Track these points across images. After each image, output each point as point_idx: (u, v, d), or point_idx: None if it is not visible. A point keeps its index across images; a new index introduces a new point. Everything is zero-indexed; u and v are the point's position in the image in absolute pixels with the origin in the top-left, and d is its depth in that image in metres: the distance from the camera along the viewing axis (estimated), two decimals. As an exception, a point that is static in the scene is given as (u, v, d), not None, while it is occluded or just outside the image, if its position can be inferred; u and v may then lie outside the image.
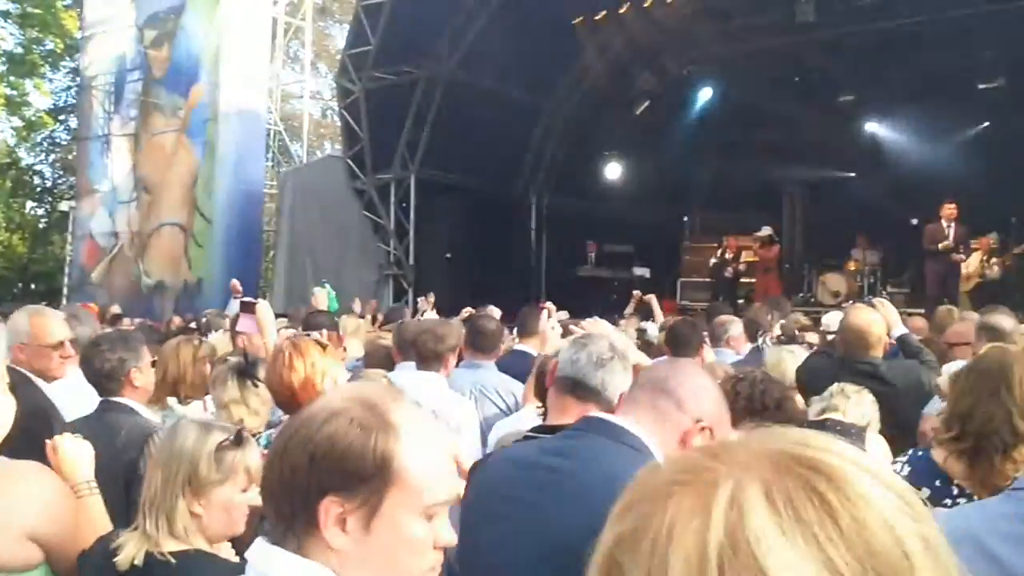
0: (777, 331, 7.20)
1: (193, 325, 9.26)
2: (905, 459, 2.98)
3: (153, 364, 3.71)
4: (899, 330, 5.00)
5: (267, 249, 21.69)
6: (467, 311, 10.13)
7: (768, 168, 18.10)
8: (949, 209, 13.62)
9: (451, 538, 1.36)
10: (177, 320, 11.04)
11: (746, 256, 16.16)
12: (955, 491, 2.78)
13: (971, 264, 14.62)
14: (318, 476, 1.27)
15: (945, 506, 2.76)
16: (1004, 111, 15.61)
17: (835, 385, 3.81)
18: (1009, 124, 15.79)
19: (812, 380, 4.63)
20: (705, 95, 17.84)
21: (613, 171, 18.38)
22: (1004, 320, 4.84)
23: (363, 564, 1.28)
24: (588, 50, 16.46)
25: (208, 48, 18.35)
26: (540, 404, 3.51)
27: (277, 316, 6.29)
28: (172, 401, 4.09)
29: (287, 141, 22.31)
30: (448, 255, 15.71)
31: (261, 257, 20.53)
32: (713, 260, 16.65)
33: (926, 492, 2.80)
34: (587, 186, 18.33)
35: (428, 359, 4.25)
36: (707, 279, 17.21)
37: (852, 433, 3.45)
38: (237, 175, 17.94)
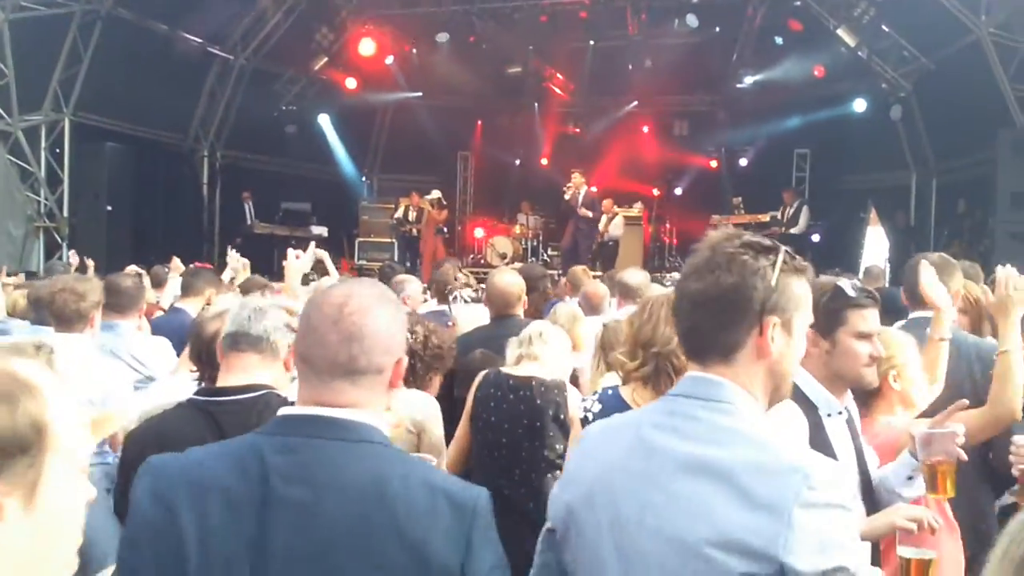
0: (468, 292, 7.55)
1: None
2: (596, 396, 3.19)
3: None
4: None
5: None
6: (132, 269, 9.56)
7: (443, 132, 18.70)
8: (577, 179, 15.34)
9: (92, 492, 1.27)
10: None
11: (424, 216, 16.57)
12: None
13: (601, 225, 16.24)
14: None
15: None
16: (650, 93, 17.28)
17: (533, 329, 3.94)
18: (653, 104, 17.51)
19: (471, 333, 5.05)
20: (383, 56, 17.93)
21: (291, 127, 18.00)
22: (631, 276, 5.46)
23: (33, 543, 1.16)
24: (265, -1, 15.93)
25: None
26: (195, 368, 3.41)
27: None
28: None
29: (-88, 71, 19.40)
30: (109, 207, 14.53)
31: None
32: (392, 220, 16.93)
33: None
34: (264, 141, 17.79)
35: (69, 320, 3.94)
36: (384, 239, 17.48)
37: (555, 391, 3.72)
38: None
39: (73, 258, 9.51)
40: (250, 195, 16.82)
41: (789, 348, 1.70)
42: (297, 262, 4.31)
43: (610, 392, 3.13)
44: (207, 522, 1.59)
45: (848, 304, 2.64)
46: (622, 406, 2.98)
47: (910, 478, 2.67)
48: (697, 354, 1.71)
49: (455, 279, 8.41)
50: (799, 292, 1.71)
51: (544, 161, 19.09)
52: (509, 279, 5.04)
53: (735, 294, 1.64)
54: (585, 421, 3.09)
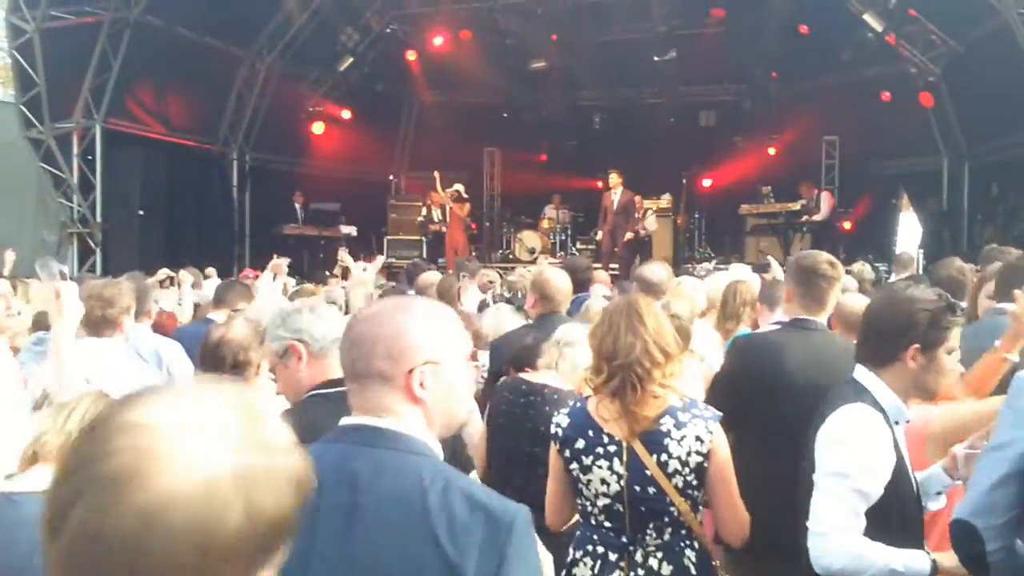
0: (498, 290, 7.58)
1: None
2: (567, 410, 3.08)
3: None
4: None
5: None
6: (163, 272, 9.71)
7: (469, 129, 18.71)
8: (614, 179, 15.01)
9: None
10: None
11: (449, 213, 16.54)
12: (606, 439, 2.92)
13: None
14: None
15: (597, 454, 2.91)
16: (673, 82, 17.16)
17: (561, 336, 3.86)
18: (677, 94, 17.40)
19: (509, 334, 4.93)
20: (408, 55, 18.00)
21: (318, 127, 18.11)
22: (652, 272, 5.38)
23: None
24: (290, 1, 16.02)
25: None
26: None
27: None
28: None
29: (-54, 83, 19.76)
30: (141, 212, 14.73)
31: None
32: (419, 218, 16.96)
33: (581, 443, 2.95)
34: (293, 142, 17.93)
35: (97, 325, 4.02)
36: (413, 237, 17.54)
37: (558, 398, 3.64)
38: None
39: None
40: (303, 197, 17.11)
41: None
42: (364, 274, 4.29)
43: (578, 405, 3.07)
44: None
45: (954, 323, 2.58)
46: (587, 420, 2.97)
47: (939, 493, 2.71)
48: None
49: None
50: None
51: (571, 155, 19.04)
52: (563, 277, 4.85)
53: None
54: (556, 436, 3.03)
